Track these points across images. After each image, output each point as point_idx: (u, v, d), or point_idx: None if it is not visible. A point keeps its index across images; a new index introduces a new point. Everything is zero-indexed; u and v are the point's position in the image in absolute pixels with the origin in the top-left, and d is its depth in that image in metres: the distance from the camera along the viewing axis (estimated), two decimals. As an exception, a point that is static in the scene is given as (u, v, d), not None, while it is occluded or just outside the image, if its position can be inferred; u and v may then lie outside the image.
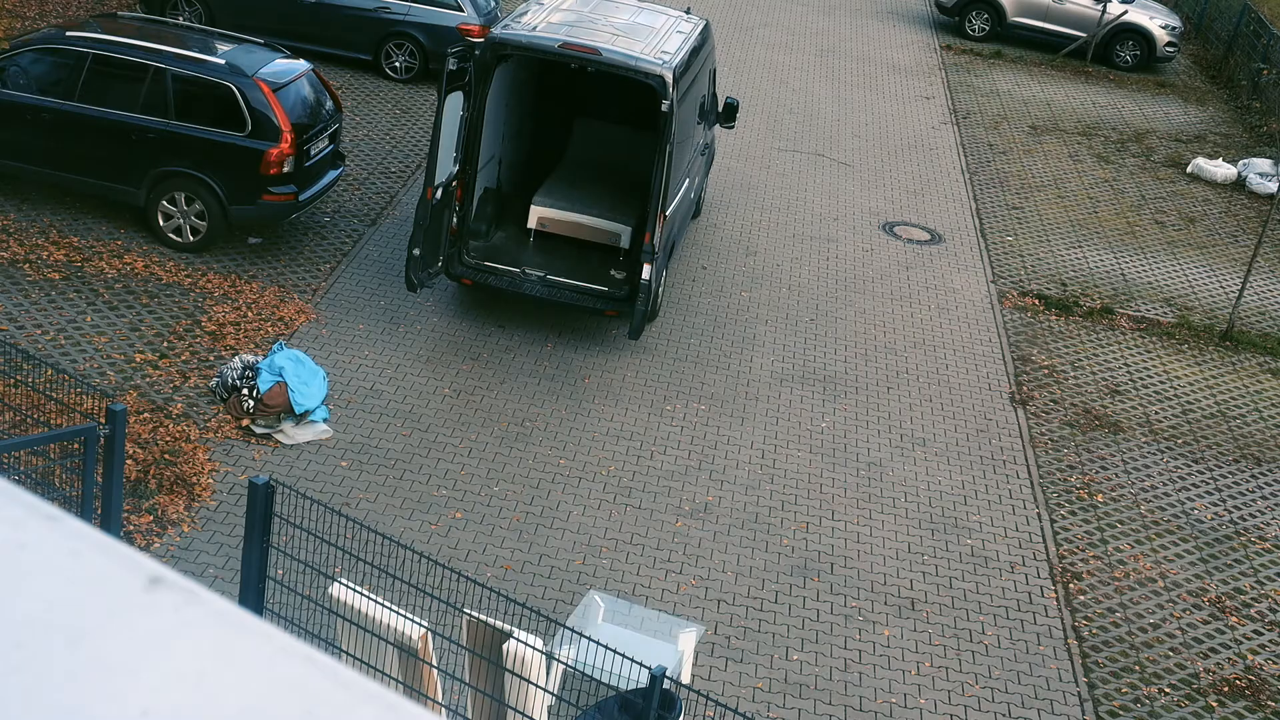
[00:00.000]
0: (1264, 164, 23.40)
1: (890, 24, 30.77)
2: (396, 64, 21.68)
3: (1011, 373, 16.14)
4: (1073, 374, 16.38)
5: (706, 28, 16.75)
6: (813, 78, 26.03)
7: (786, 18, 29.91)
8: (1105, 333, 17.60)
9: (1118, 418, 15.54)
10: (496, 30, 14.83)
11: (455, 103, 14.21)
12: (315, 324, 14.60)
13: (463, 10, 21.45)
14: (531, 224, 15.75)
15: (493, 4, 22.31)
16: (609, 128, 17.23)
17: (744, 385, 14.86)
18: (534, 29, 14.77)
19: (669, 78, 14.07)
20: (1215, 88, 29.93)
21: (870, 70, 27.05)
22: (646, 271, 14.18)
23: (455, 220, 14.89)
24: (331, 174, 16.36)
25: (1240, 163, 23.86)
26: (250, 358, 13.01)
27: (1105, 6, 29.34)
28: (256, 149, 15.05)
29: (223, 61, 15.33)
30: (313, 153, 15.68)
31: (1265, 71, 27.54)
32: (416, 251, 14.15)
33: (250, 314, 14.48)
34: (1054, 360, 16.64)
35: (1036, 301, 18.11)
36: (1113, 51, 29.80)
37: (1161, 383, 16.55)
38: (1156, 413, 15.80)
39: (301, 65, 16.19)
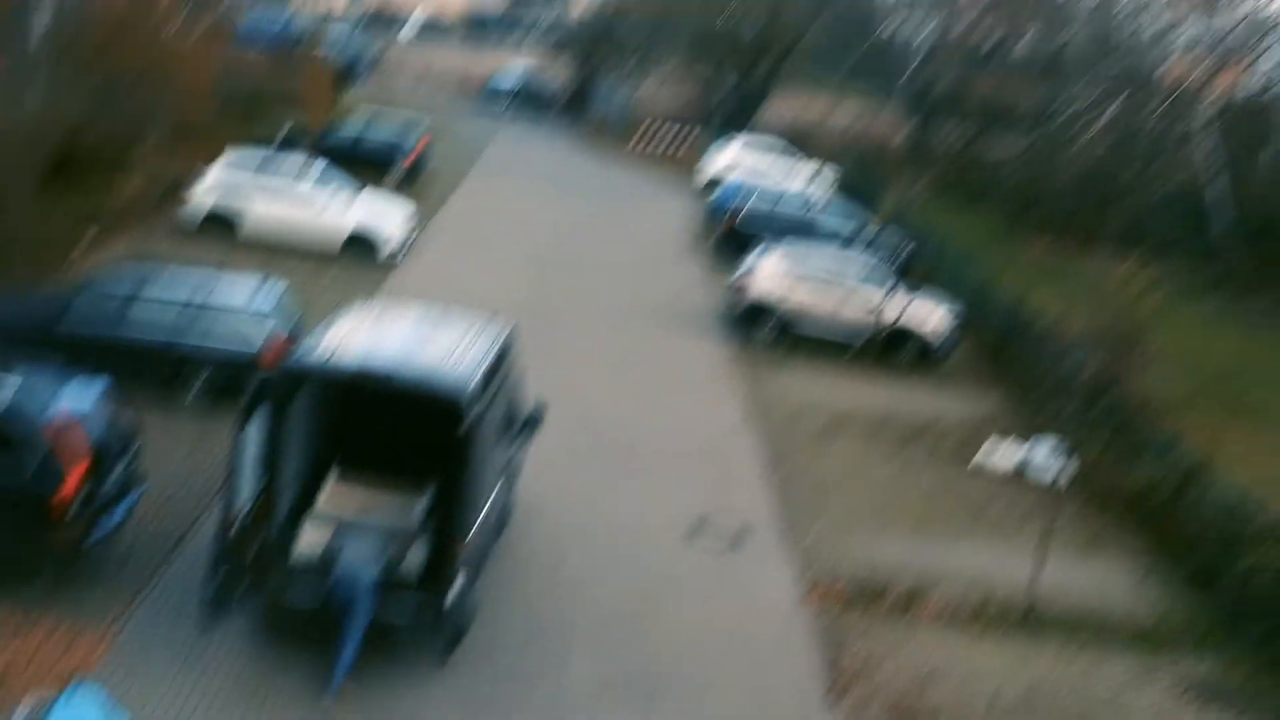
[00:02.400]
0: (1044, 450, 24.49)
1: (682, 334, 31.71)
2: (192, 392, 21.49)
3: (824, 669, 16.19)
4: (886, 665, 16.50)
5: (510, 334, 17.02)
6: (611, 389, 26.52)
7: (578, 338, 30.58)
8: (912, 621, 17.86)
9: (935, 705, 15.64)
10: (295, 357, 14.93)
11: (255, 429, 14.14)
12: (113, 657, 13.96)
13: (258, 339, 21.42)
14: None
15: (292, 321, 22.31)
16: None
17: (561, 701, 14.58)
18: (331, 353, 14.88)
19: (467, 397, 14.20)
20: (998, 371, 31.32)
21: (666, 379, 27.72)
22: (450, 595, 14.02)
23: (258, 545, 14.57)
24: (129, 499, 15.91)
25: (1029, 441, 24.96)
26: (37, 699, 12.30)
27: (878, 317, 31.05)
28: (41, 494, 14.48)
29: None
30: (107, 482, 15.24)
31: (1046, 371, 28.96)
32: (218, 578, 13.77)
33: (40, 653, 13.79)
34: (866, 652, 16.75)
35: (844, 592, 18.33)
36: (894, 351, 31.24)
37: (967, 669, 16.77)
38: (971, 699, 15.96)
39: (95, 391, 15.82)
